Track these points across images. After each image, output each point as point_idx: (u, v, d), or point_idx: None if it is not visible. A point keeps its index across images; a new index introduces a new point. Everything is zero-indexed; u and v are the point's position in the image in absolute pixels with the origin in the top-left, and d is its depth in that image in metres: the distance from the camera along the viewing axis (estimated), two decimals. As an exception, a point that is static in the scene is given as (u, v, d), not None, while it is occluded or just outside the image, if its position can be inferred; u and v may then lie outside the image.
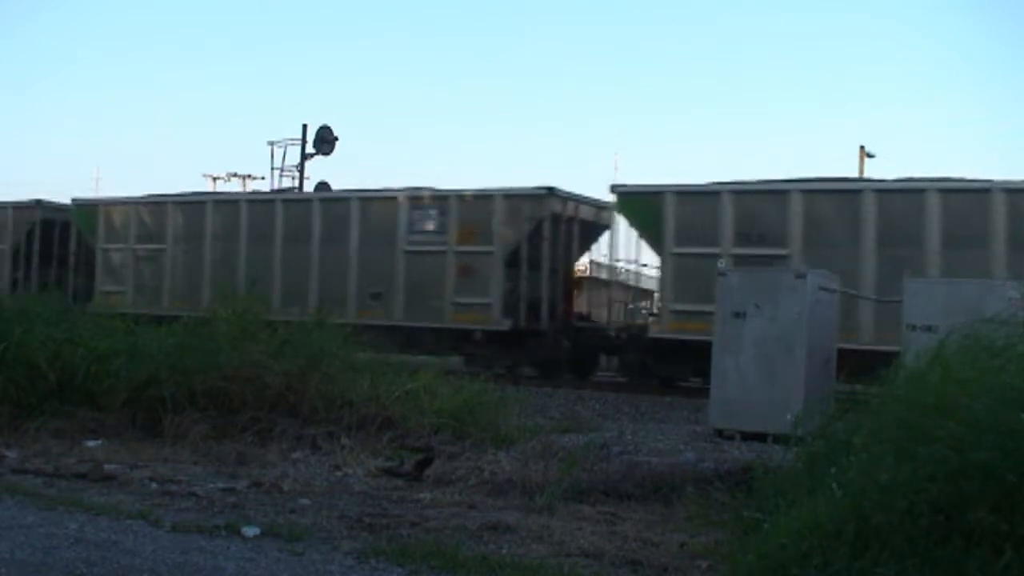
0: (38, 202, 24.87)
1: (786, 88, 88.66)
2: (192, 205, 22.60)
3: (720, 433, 10.49)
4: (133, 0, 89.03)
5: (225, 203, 22.53)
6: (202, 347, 10.50)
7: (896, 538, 4.46)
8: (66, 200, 24.77)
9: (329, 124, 30.27)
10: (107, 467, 8.22)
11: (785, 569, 4.60)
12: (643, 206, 17.89)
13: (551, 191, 18.55)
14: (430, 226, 19.40)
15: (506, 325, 18.31)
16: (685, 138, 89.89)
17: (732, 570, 5.11)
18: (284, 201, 21.91)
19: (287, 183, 30.05)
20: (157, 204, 22.92)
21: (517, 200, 18.68)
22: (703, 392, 12.66)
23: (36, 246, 24.52)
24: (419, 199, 19.80)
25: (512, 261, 18.44)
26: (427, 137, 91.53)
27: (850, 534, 4.55)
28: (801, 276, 10.83)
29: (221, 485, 7.71)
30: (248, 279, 20.08)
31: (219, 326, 11.15)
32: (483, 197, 18.98)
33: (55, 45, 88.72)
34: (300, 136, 30.52)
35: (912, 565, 4.35)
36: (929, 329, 8.53)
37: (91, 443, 9.34)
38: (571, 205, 19.16)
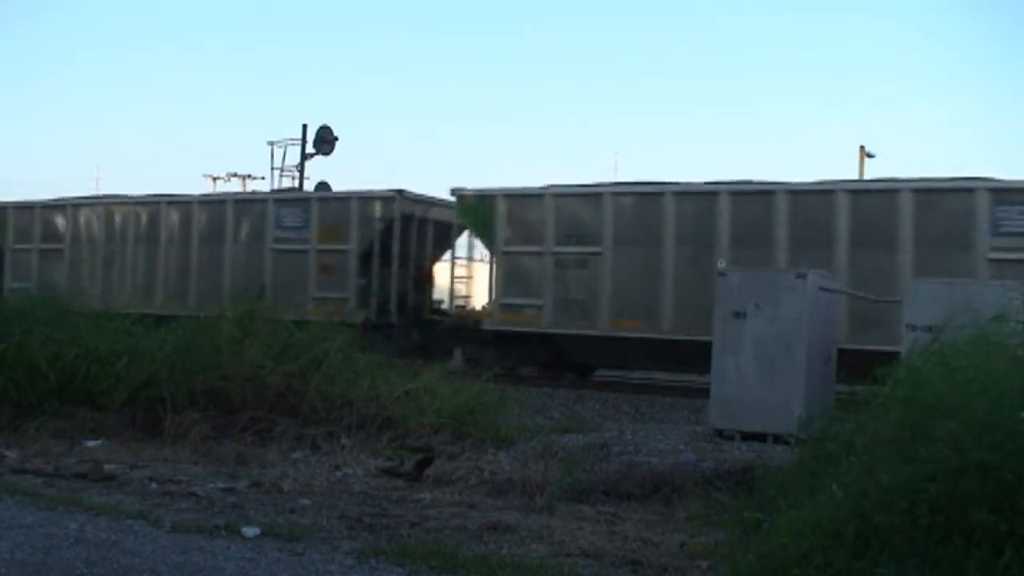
0: (399, 192, 19.44)
1: (786, 88, 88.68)
2: (643, 196, 17.00)
3: (720, 433, 10.47)
4: (133, 0, 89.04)
5: (690, 195, 16.68)
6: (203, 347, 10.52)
7: (896, 538, 4.46)
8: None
9: (329, 124, 30.29)
10: (107, 467, 8.22)
11: (785, 569, 4.61)
12: None
13: None
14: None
15: None
16: (685, 138, 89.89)
17: (732, 570, 5.11)
18: (789, 192, 15.81)
19: (287, 183, 30.05)
20: (592, 196, 17.49)
21: None
22: (703, 392, 12.64)
23: (396, 247, 19.28)
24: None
25: None
26: (427, 137, 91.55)
27: (850, 534, 4.55)
28: (801, 276, 10.82)
29: (221, 485, 7.71)
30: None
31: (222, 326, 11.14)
32: None
33: (55, 45, 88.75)
34: (300, 136, 30.51)
35: (912, 565, 4.35)
36: (929, 329, 8.52)
37: (91, 443, 9.34)
38: None
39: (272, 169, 30.64)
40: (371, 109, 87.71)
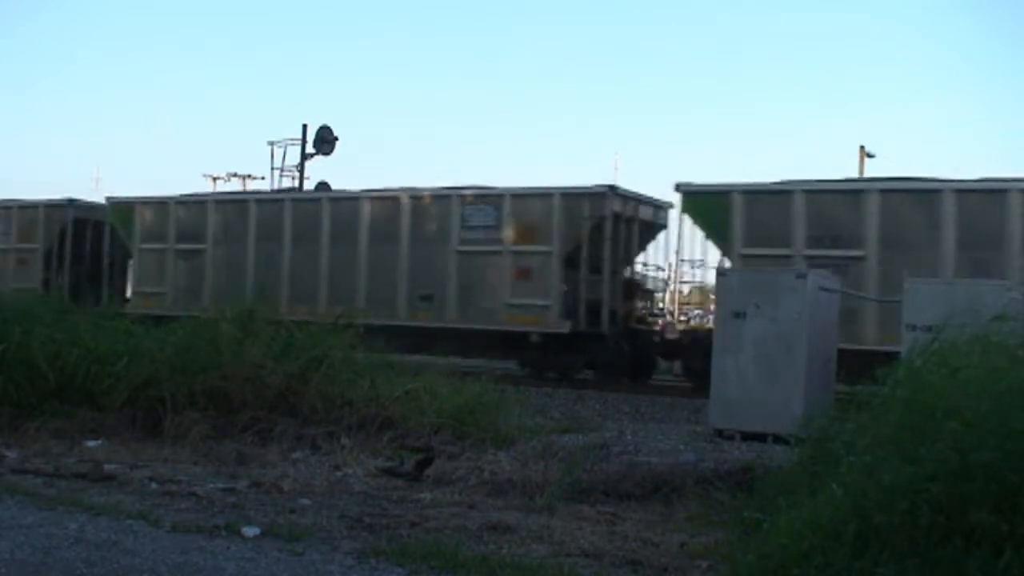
0: (611, 188, 17.62)
1: (786, 88, 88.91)
2: (914, 194, 15.45)
3: (720, 433, 10.47)
4: (133, 0, 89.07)
5: (973, 192, 15.10)
6: (203, 347, 10.52)
7: (897, 538, 4.46)
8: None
9: (329, 124, 30.29)
10: (107, 467, 8.21)
11: (785, 569, 4.61)
12: None
13: None
14: None
15: None
16: (685, 138, 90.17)
17: (732, 570, 5.11)
18: None
19: (287, 183, 30.07)
20: (852, 192, 15.93)
21: None
22: (703, 392, 12.63)
23: (608, 249, 17.41)
24: None
25: None
26: (427, 137, 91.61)
27: (851, 534, 4.55)
28: (801, 276, 10.82)
29: (221, 485, 7.71)
30: None
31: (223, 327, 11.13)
32: None
33: (55, 45, 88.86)
34: (300, 136, 30.50)
35: (912, 565, 4.35)
36: (929, 329, 8.53)
37: (91, 443, 9.34)
38: None
39: (272, 169, 30.65)
40: (371, 109, 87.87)
